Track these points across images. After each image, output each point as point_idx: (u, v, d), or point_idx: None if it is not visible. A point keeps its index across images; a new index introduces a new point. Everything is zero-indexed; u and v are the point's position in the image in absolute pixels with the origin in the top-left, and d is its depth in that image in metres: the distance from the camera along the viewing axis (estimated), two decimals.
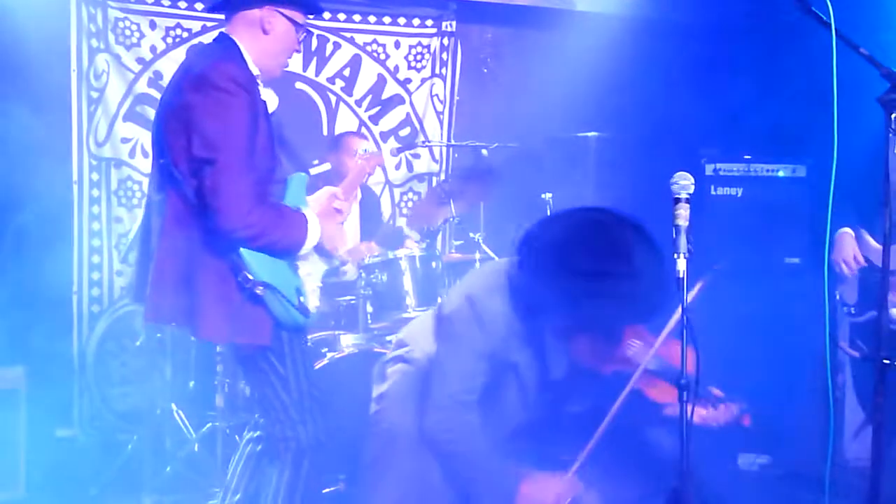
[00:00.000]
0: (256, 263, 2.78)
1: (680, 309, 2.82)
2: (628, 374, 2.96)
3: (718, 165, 5.14)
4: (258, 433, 3.10)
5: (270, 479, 2.97)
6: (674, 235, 2.44)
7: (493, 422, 2.91)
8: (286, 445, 2.94)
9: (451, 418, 2.82)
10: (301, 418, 2.94)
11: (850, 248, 3.77)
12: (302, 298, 2.87)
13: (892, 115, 2.34)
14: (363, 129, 5.90)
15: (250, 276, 2.76)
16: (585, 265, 2.72)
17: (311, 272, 3.00)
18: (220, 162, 2.67)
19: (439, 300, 3.24)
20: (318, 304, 3.03)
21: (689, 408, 2.41)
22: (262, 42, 2.90)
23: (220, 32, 2.97)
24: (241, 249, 2.76)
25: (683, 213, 2.45)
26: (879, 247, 3.55)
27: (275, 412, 2.94)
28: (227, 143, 2.69)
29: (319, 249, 3.03)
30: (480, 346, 2.84)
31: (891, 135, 2.33)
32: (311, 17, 3.10)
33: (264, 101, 2.88)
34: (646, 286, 2.72)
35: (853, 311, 3.71)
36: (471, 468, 2.83)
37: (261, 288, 2.77)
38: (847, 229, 3.76)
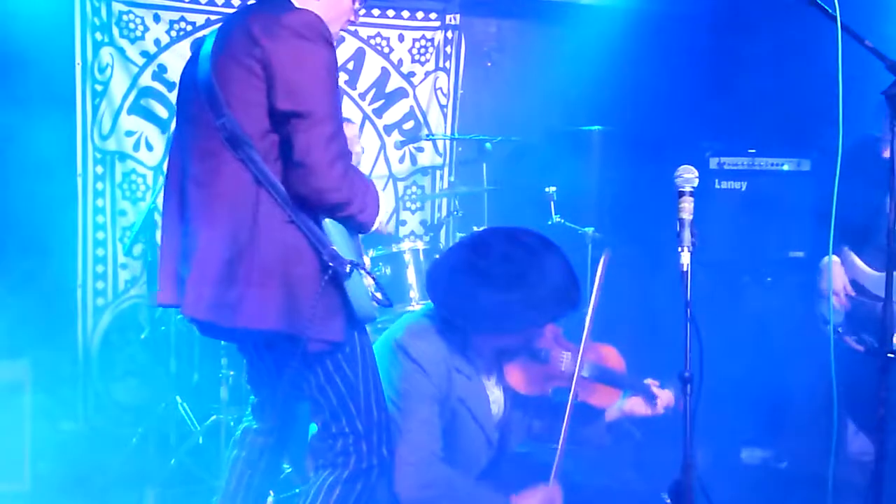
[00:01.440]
0: (339, 241, 2.46)
1: (591, 310, 2.96)
2: (565, 389, 3.01)
3: (723, 159, 5.13)
4: (256, 425, 2.92)
5: (320, 489, 2.59)
6: (678, 229, 2.44)
7: (463, 464, 2.93)
8: (344, 461, 2.58)
9: (423, 473, 2.78)
10: (367, 433, 2.58)
11: (840, 279, 3.64)
12: (384, 289, 2.56)
13: None
14: (367, 123, 5.90)
15: (337, 253, 2.41)
16: (497, 271, 2.83)
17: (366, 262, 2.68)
18: (314, 115, 2.35)
19: None
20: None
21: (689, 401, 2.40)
22: (315, 6, 2.53)
23: None
24: (327, 222, 2.44)
25: (687, 207, 2.45)
26: (868, 269, 3.55)
27: (337, 424, 2.58)
28: (319, 96, 2.37)
29: (379, 231, 2.71)
30: (429, 390, 2.86)
31: (895, 128, 2.32)
32: None
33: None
34: (551, 266, 2.85)
35: (840, 331, 3.64)
36: None
37: (349, 265, 2.42)
38: (834, 257, 3.60)
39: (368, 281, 2.51)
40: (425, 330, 2.95)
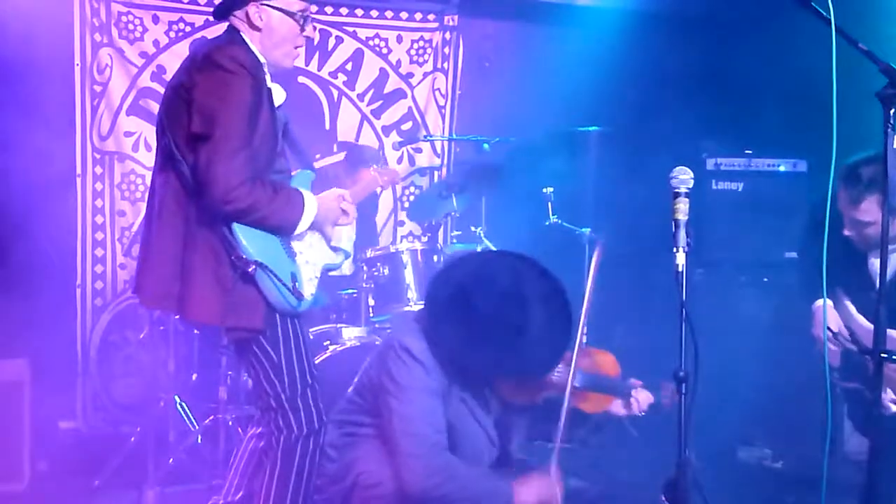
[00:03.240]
0: (251, 244, 2.78)
1: (582, 326, 2.98)
2: (558, 398, 3.02)
3: (719, 160, 5.16)
4: (259, 429, 3.07)
5: (264, 474, 2.92)
6: (673, 229, 2.45)
7: (469, 462, 2.95)
8: (277, 437, 2.90)
9: (429, 464, 2.83)
10: (292, 405, 2.89)
11: (833, 323, 3.47)
12: (296, 283, 2.85)
13: (891, 111, 2.35)
14: (365, 123, 5.91)
15: (243, 255, 2.75)
16: (480, 307, 2.89)
17: (310, 259, 2.97)
18: (215, 136, 2.69)
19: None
20: (313, 291, 2.97)
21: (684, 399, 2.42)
22: (258, 36, 2.91)
23: (229, 25, 2.99)
24: (236, 229, 2.76)
25: (683, 208, 2.46)
26: (862, 319, 3.45)
27: (266, 400, 2.91)
28: (224, 120, 2.70)
29: (328, 241, 3.05)
30: (430, 384, 2.91)
31: (889, 130, 2.34)
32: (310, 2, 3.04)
33: (269, 89, 2.88)
34: (537, 338, 2.91)
35: (837, 376, 3.57)
36: (468, 496, 2.85)
37: (253, 266, 2.74)
38: (828, 301, 3.39)
39: (272, 278, 2.79)
40: (425, 330, 2.97)
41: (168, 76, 5.27)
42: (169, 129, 2.85)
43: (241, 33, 2.92)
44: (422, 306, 3.48)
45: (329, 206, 3.02)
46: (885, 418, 3.26)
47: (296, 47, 3.01)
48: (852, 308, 3.52)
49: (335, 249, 3.10)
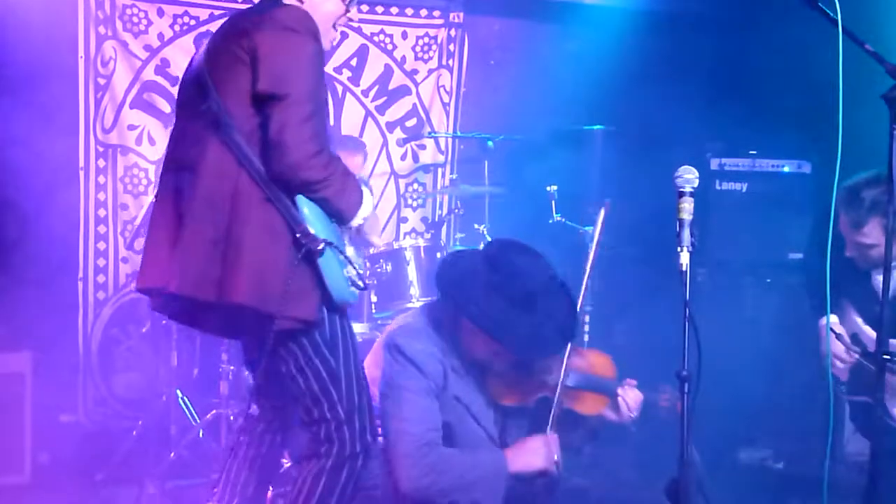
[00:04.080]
0: (315, 221, 2.51)
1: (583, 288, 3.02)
2: (551, 399, 3.02)
3: (724, 160, 5.15)
4: (247, 438, 2.92)
5: (304, 482, 2.63)
6: (677, 229, 2.45)
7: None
8: (327, 450, 2.62)
9: (422, 463, 2.81)
10: (349, 419, 2.61)
11: (840, 344, 3.43)
12: (356, 270, 2.59)
13: None
14: (369, 119, 5.91)
15: (311, 230, 2.47)
16: (513, 275, 2.87)
17: (353, 252, 2.82)
18: (291, 96, 2.45)
19: None
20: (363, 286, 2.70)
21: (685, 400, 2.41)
22: (307, 8, 2.67)
23: None
24: (300, 201, 2.50)
25: (687, 207, 2.46)
26: (868, 329, 3.43)
27: (318, 410, 2.61)
28: (297, 81, 2.48)
29: (356, 237, 2.88)
30: (424, 385, 2.89)
31: (895, 132, 2.33)
32: None
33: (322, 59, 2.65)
34: (556, 306, 2.91)
35: (844, 390, 3.56)
36: (465, 483, 2.84)
37: (322, 244, 2.47)
38: (833, 317, 3.39)
39: (347, 267, 2.55)
40: (419, 330, 2.97)
41: (172, 70, 5.34)
42: (218, 90, 2.55)
43: (286, 1, 2.68)
44: (419, 304, 3.48)
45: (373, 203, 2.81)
46: (889, 425, 3.28)
47: (335, 27, 2.79)
48: (859, 320, 3.50)
49: (364, 245, 3.02)
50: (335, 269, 2.53)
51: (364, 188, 2.70)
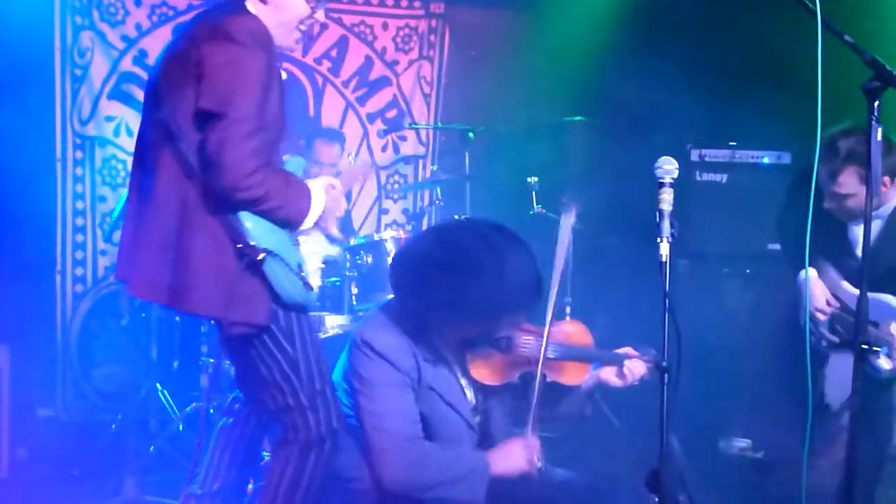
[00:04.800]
0: (258, 231, 2.58)
1: (554, 293, 3.01)
2: (534, 374, 3.02)
3: (704, 151, 5.16)
4: (231, 419, 2.98)
5: (273, 471, 2.72)
6: (657, 220, 2.45)
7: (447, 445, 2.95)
8: (294, 437, 2.71)
9: (403, 458, 2.79)
10: (311, 404, 2.69)
11: (821, 293, 3.60)
12: (304, 273, 2.68)
13: (876, 103, 2.35)
14: (350, 111, 5.89)
15: (251, 242, 2.54)
16: (454, 260, 2.83)
17: (313, 251, 2.83)
18: (229, 116, 2.47)
19: None
20: (319, 283, 2.83)
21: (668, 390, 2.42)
22: (264, 10, 2.69)
23: None
24: (242, 214, 2.56)
25: (667, 198, 2.46)
26: (849, 286, 3.55)
27: (281, 398, 2.70)
28: (238, 99, 2.49)
29: (324, 231, 2.87)
30: (398, 379, 2.86)
31: (874, 122, 2.34)
32: None
33: (279, 67, 2.68)
34: (518, 269, 2.86)
35: (823, 345, 3.63)
36: (448, 478, 2.83)
37: (263, 254, 2.54)
38: (811, 271, 3.54)
39: (283, 267, 2.61)
40: (386, 323, 2.95)
41: (150, 60, 5.28)
42: (168, 102, 2.59)
43: (248, 3, 2.69)
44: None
45: (329, 199, 2.83)
46: (871, 382, 3.28)
47: (300, 28, 2.80)
48: (837, 276, 3.58)
49: (332, 240, 3.02)
50: (281, 273, 2.60)
51: (312, 184, 2.73)
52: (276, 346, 2.68)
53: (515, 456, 2.92)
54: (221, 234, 2.56)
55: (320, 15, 2.82)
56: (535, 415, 2.95)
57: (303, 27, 2.80)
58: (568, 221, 3.21)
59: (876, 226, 3.46)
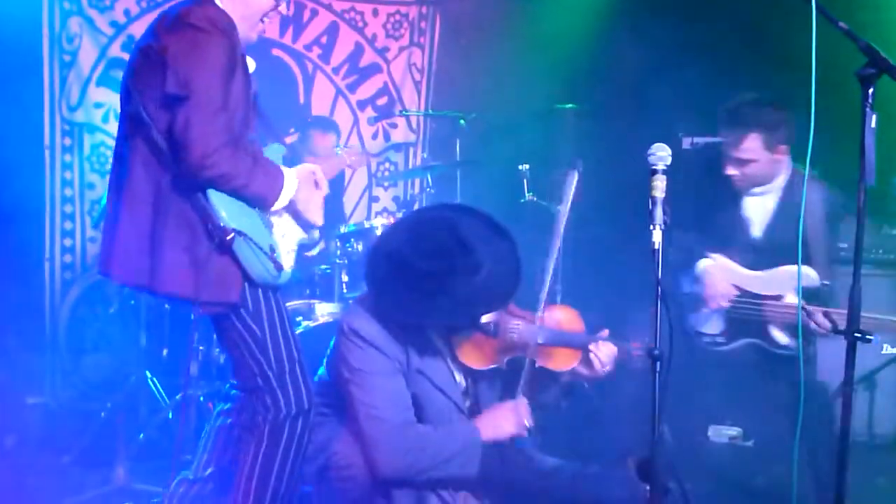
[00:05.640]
0: (228, 212, 2.67)
1: (548, 279, 3.03)
2: (523, 360, 3.01)
3: (695, 139, 5.15)
4: (229, 405, 2.99)
5: (247, 452, 2.79)
6: (650, 207, 2.44)
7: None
8: (264, 416, 2.78)
9: (399, 446, 2.80)
10: (280, 383, 2.78)
11: (720, 280, 3.71)
12: (276, 255, 2.76)
13: (870, 90, 2.34)
14: (340, 98, 5.86)
15: (220, 223, 2.63)
16: (426, 267, 2.83)
17: (286, 234, 2.89)
18: (192, 98, 2.57)
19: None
20: (292, 265, 2.89)
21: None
22: (229, 4, 2.78)
23: None
24: (212, 196, 2.65)
25: (660, 185, 2.46)
26: (746, 270, 3.71)
27: (251, 378, 2.79)
28: (200, 80, 2.59)
29: (297, 217, 2.92)
30: (389, 366, 2.87)
31: (868, 109, 2.33)
32: None
33: (243, 52, 2.78)
34: (492, 271, 2.86)
35: (718, 341, 3.70)
36: (442, 460, 2.83)
37: (231, 234, 2.63)
38: (708, 261, 3.73)
39: (252, 247, 2.70)
40: (373, 311, 2.94)
41: None
42: (137, 93, 2.71)
43: None
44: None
45: (305, 183, 2.90)
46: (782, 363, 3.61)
47: (263, 21, 2.91)
48: (732, 264, 3.72)
49: (308, 226, 3.02)
50: (250, 253, 2.69)
51: (285, 169, 2.83)
52: (244, 326, 2.77)
53: (505, 419, 2.92)
54: (192, 215, 2.66)
55: (283, 7, 2.95)
56: (528, 373, 2.94)
57: (266, 20, 2.91)
58: (570, 187, 3.20)
59: (770, 200, 3.69)
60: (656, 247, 2.42)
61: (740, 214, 3.74)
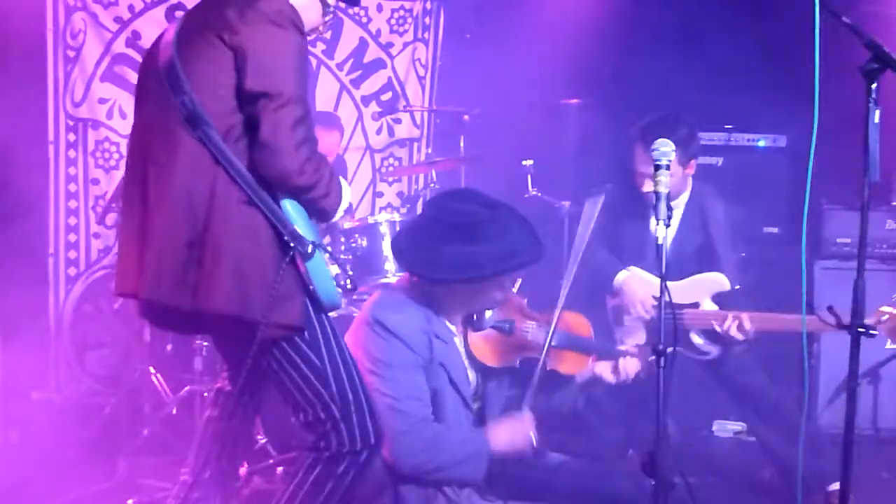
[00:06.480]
0: (300, 221, 2.42)
1: (570, 279, 3.08)
2: (534, 360, 3.03)
3: (699, 134, 5.14)
4: (216, 413, 2.89)
5: (298, 472, 2.55)
6: (654, 202, 2.44)
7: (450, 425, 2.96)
8: (327, 445, 2.51)
9: (419, 440, 2.80)
10: (344, 415, 2.50)
11: (641, 290, 3.84)
12: (349, 273, 2.59)
13: (874, 86, 2.33)
14: (344, 93, 5.85)
15: (299, 233, 2.36)
16: (458, 218, 2.89)
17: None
18: (282, 96, 2.34)
19: None
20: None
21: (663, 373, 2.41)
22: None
23: None
24: (284, 201, 2.41)
25: (664, 180, 2.45)
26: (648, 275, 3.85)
27: (312, 411, 2.51)
28: (288, 78, 2.37)
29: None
30: (412, 359, 2.86)
31: (871, 104, 2.32)
32: None
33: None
34: (521, 224, 2.95)
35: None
36: (455, 461, 2.84)
37: (311, 246, 2.38)
38: (625, 273, 3.88)
39: (332, 266, 2.48)
40: (398, 302, 2.95)
41: (143, 42, 5.25)
42: (197, 86, 2.41)
43: None
44: (395, 279, 3.46)
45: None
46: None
47: (319, 21, 2.72)
48: (648, 275, 3.84)
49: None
50: (322, 270, 2.44)
51: (342, 180, 2.63)
52: (301, 356, 2.48)
53: (513, 435, 2.93)
54: (261, 223, 2.38)
55: (322, 28, 2.77)
56: (533, 394, 2.95)
57: (311, 36, 2.70)
58: (594, 209, 3.21)
59: (677, 214, 3.89)
60: (660, 242, 2.42)
61: (649, 229, 3.86)
